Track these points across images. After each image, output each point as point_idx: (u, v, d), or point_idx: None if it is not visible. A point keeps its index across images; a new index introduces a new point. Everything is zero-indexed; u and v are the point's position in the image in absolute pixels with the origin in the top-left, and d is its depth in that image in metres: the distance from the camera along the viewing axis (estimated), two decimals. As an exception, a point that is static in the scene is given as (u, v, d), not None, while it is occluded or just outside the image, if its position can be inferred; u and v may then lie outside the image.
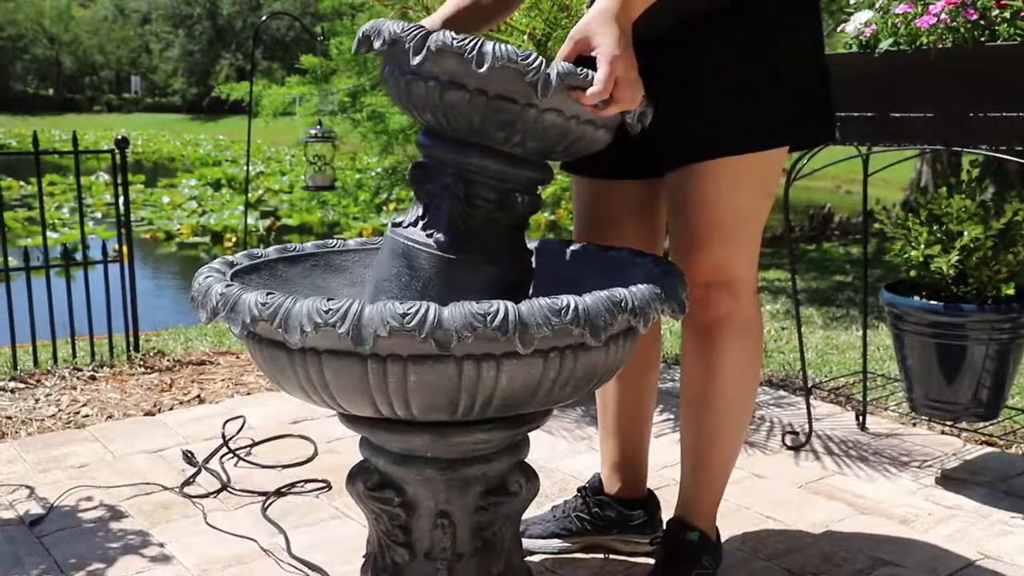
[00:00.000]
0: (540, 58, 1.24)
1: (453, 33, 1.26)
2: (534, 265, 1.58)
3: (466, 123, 1.32)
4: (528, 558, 1.83)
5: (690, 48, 1.57)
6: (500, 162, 1.36)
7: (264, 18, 5.16)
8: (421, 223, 1.41)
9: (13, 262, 3.43)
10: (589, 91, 1.25)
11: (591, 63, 1.30)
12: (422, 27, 1.29)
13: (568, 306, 1.18)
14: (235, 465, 2.45)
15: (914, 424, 2.74)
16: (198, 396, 3.03)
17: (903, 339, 2.34)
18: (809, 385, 2.65)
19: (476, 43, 1.24)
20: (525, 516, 1.75)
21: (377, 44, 1.32)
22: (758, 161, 1.60)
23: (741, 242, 1.64)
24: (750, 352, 1.72)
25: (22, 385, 3.11)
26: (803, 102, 1.63)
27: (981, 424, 2.45)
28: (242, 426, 2.69)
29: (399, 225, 1.44)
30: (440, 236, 1.38)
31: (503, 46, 1.24)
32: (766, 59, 1.57)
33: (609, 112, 1.29)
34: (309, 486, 2.31)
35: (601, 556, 1.93)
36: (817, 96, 1.65)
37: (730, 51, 1.57)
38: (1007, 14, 1.99)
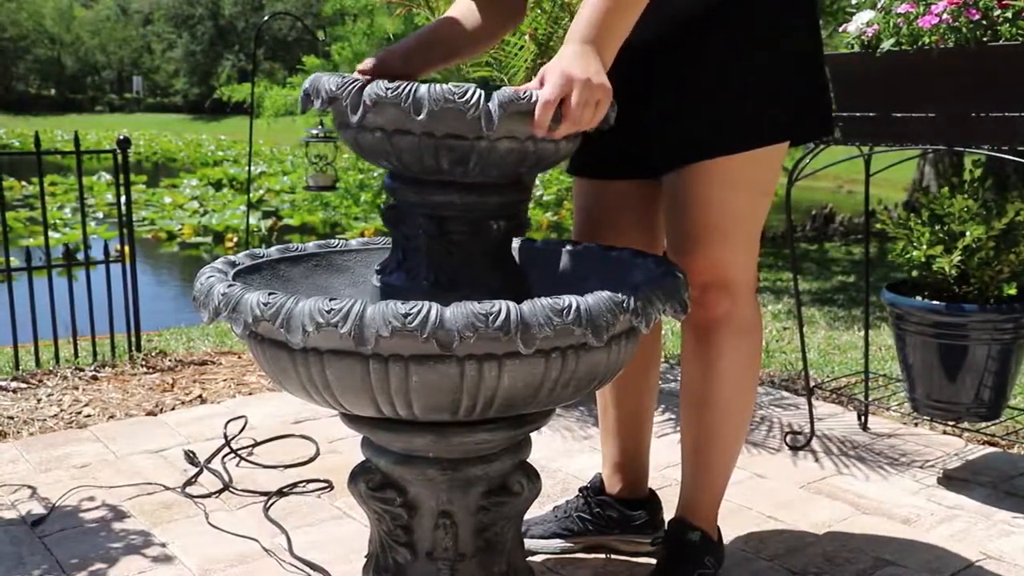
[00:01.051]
0: (478, 91, 1.21)
1: (386, 83, 1.24)
2: (536, 265, 1.59)
3: (420, 164, 1.31)
4: (530, 558, 1.83)
5: (688, 49, 1.58)
6: (466, 194, 1.35)
7: (266, 19, 5.16)
8: (403, 267, 1.40)
9: (15, 262, 3.43)
10: (536, 114, 1.22)
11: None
12: (357, 80, 1.27)
13: (570, 306, 1.18)
14: (237, 465, 2.45)
15: (916, 424, 2.74)
16: (200, 396, 3.03)
17: (905, 339, 2.34)
18: (811, 385, 2.65)
19: (410, 90, 1.22)
20: (527, 516, 1.75)
21: (317, 104, 1.31)
22: (755, 161, 1.60)
23: (738, 242, 1.64)
24: (749, 352, 1.72)
25: (24, 385, 3.12)
26: (799, 99, 1.63)
27: (983, 424, 2.45)
28: (244, 426, 2.70)
29: (382, 271, 1.43)
30: (423, 280, 1.37)
31: (437, 87, 1.21)
32: (760, 58, 1.57)
33: (560, 133, 1.26)
34: (311, 486, 2.31)
35: (603, 556, 1.93)
36: (813, 92, 1.65)
37: (725, 51, 1.57)
38: (1009, 14, 1.99)
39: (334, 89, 1.28)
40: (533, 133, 1.26)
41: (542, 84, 1.25)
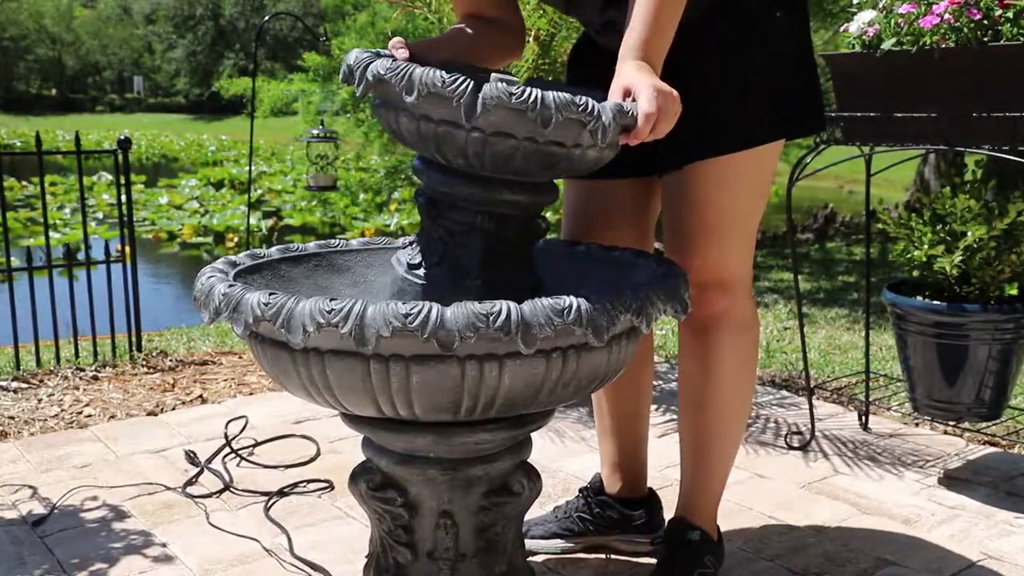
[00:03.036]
0: (595, 104, 1.21)
1: (507, 85, 1.19)
2: (536, 265, 1.58)
3: (506, 165, 1.27)
4: (530, 558, 1.84)
5: (690, 50, 1.58)
6: (530, 194, 1.34)
7: (267, 18, 5.15)
8: (444, 263, 1.36)
9: (16, 262, 3.43)
10: (639, 125, 1.24)
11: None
12: (469, 79, 1.20)
13: (570, 306, 1.18)
14: (238, 465, 2.45)
15: (916, 424, 2.73)
16: (200, 396, 3.03)
17: (906, 339, 2.34)
18: (812, 385, 2.65)
19: (535, 99, 1.18)
20: (527, 516, 1.75)
21: (411, 99, 1.22)
22: (753, 161, 1.61)
23: (735, 242, 1.65)
24: (746, 350, 1.72)
25: (25, 385, 3.12)
26: (797, 96, 1.64)
27: (984, 424, 2.45)
28: (244, 426, 2.70)
29: (416, 266, 1.38)
30: (475, 280, 1.34)
31: (559, 96, 1.18)
32: (750, 57, 1.58)
33: (643, 139, 1.29)
34: (311, 486, 2.31)
35: (603, 556, 1.93)
36: (809, 89, 1.66)
37: (724, 50, 1.58)
38: (1010, 14, 1.99)
39: (439, 85, 1.20)
40: (614, 142, 1.27)
41: (625, 96, 1.28)
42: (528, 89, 1.19)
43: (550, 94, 1.19)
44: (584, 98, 1.21)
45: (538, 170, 1.29)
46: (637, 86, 1.28)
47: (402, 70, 1.23)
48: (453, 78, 1.20)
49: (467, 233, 1.34)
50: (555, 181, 1.43)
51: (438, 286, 1.35)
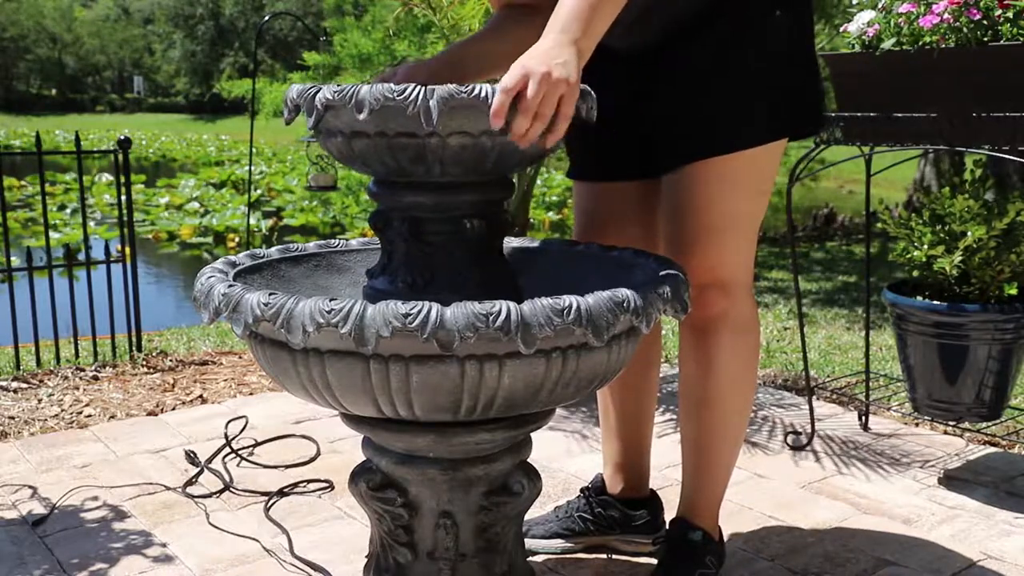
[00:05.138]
0: (417, 88, 1.22)
1: (334, 87, 1.26)
2: (536, 265, 1.58)
3: (383, 165, 1.32)
4: (531, 558, 1.83)
5: (685, 49, 1.58)
6: (434, 194, 1.35)
7: (267, 18, 5.15)
8: (387, 270, 1.42)
9: (16, 262, 3.43)
10: (492, 105, 1.21)
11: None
12: (314, 87, 1.30)
13: (570, 306, 1.18)
14: (238, 465, 2.45)
15: (916, 424, 2.73)
16: (200, 396, 3.03)
17: (906, 339, 2.34)
18: (812, 385, 2.65)
19: (352, 92, 1.24)
20: (528, 516, 1.75)
21: (286, 114, 1.36)
22: (752, 161, 1.60)
23: (736, 243, 1.65)
24: (746, 350, 1.72)
25: (25, 385, 3.12)
26: (793, 96, 1.63)
27: (984, 424, 2.45)
28: (244, 426, 2.70)
29: (370, 275, 1.46)
30: (401, 283, 1.38)
31: (378, 87, 1.23)
32: (747, 56, 1.57)
33: (521, 128, 1.23)
34: (312, 486, 2.31)
35: (604, 556, 1.93)
36: (807, 89, 1.66)
37: (719, 50, 1.57)
38: (1010, 14, 1.99)
39: (295, 97, 1.32)
40: (487, 128, 1.24)
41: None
42: (353, 86, 1.25)
43: (366, 86, 1.24)
44: (407, 85, 1.23)
45: (413, 165, 1.31)
46: (513, 64, 1.24)
47: (286, 92, 1.36)
48: (303, 89, 1.31)
49: (396, 240, 1.40)
50: (485, 180, 1.38)
51: (378, 293, 1.40)
